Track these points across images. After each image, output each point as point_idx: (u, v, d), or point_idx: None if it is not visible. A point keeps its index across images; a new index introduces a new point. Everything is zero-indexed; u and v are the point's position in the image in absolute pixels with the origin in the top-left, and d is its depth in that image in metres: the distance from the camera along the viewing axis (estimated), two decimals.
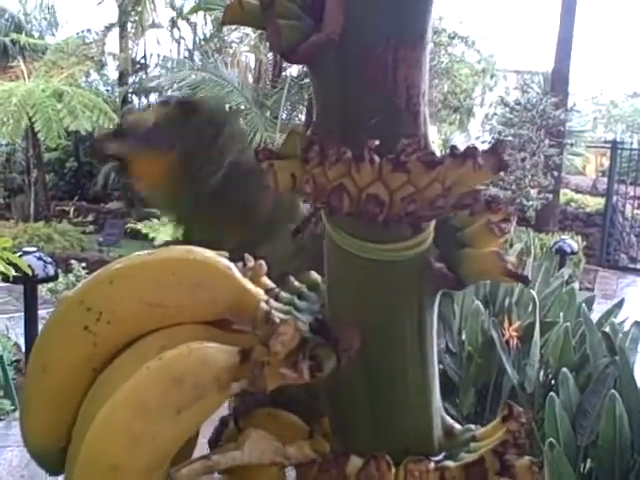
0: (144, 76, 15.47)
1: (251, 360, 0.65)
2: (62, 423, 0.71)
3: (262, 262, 0.76)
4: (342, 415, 0.73)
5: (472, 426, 0.74)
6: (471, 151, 0.60)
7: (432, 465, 0.67)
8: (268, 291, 0.74)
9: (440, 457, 0.71)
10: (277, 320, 0.67)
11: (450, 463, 0.69)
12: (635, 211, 14.93)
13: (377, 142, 0.60)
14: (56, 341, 0.71)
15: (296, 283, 0.76)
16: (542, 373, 4.36)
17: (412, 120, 0.63)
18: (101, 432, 0.63)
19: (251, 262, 0.76)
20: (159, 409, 0.63)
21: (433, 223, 0.65)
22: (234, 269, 0.73)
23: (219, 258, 0.73)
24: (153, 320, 0.70)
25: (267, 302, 0.71)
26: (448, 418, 0.74)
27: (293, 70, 11.75)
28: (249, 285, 0.73)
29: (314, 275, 0.76)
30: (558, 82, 13.80)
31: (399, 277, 0.66)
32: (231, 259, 0.74)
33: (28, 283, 5.73)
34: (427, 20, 0.61)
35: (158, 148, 1.08)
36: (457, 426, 0.74)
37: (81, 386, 0.70)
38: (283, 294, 0.74)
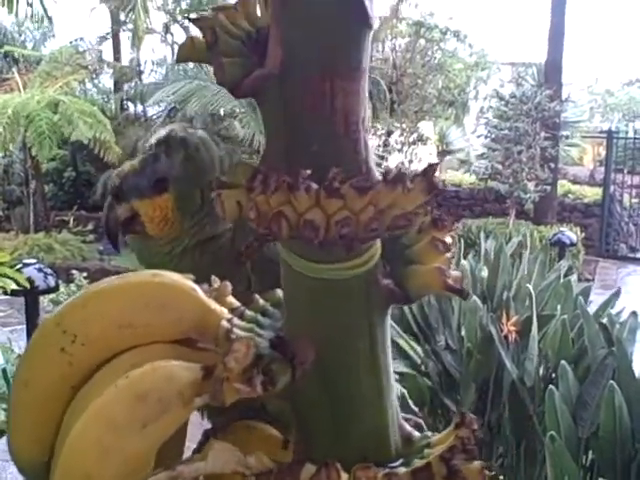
0: (139, 82, 15.50)
1: (214, 376, 0.68)
2: (45, 437, 0.76)
3: (227, 283, 0.80)
4: (303, 425, 0.77)
5: (429, 433, 0.78)
6: (400, 176, 0.64)
7: (380, 471, 0.70)
8: (233, 310, 0.78)
9: (397, 464, 0.74)
10: (238, 333, 0.71)
11: (401, 469, 0.72)
12: (633, 200, 14.95)
13: (309, 172, 0.64)
14: (36, 359, 0.76)
15: (261, 301, 0.80)
16: (541, 367, 4.39)
17: (352, 146, 0.66)
18: (74, 446, 0.68)
19: (217, 283, 0.80)
20: (126, 424, 0.67)
21: (378, 242, 0.69)
22: (198, 290, 0.77)
23: (184, 280, 0.77)
24: (124, 340, 0.75)
25: (230, 320, 0.75)
26: (407, 425, 0.77)
27: None
28: (213, 305, 0.77)
29: (279, 293, 0.80)
30: (552, 73, 13.81)
31: (347, 294, 0.70)
32: (197, 281, 0.78)
33: (29, 295, 5.76)
34: (361, 52, 0.65)
35: (143, 192, 1.13)
36: (415, 433, 0.78)
37: (61, 402, 0.75)
38: (248, 312, 0.78)
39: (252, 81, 0.66)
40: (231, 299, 0.80)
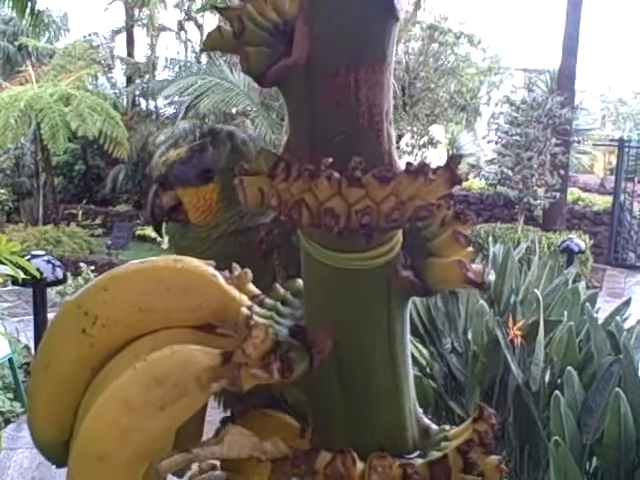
0: (152, 79, 15.53)
1: (232, 362, 0.69)
2: (64, 417, 0.77)
3: (248, 270, 0.80)
4: (319, 414, 0.77)
5: (447, 427, 0.78)
6: (422, 167, 0.64)
7: (396, 461, 0.71)
8: (253, 297, 0.78)
9: (414, 455, 0.74)
10: (257, 320, 0.72)
11: (417, 460, 0.72)
12: None
13: (331, 160, 0.64)
14: (57, 342, 0.77)
15: (281, 290, 0.80)
16: (547, 372, 4.38)
17: (375, 137, 0.66)
18: (91, 425, 0.69)
19: (237, 270, 0.80)
20: (143, 405, 0.68)
21: (399, 233, 0.69)
22: (219, 277, 0.77)
23: (205, 266, 0.78)
24: (144, 324, 0.75)
25: (250, 308, 0.75)
26: (425, 419, 0.77)
27: None
28: (233, 292, 0.77)
29: (299, 282, 0.80)
30: (565, 80, 13.78)
31: (366, 284, 0.70)
32: (221, 269, 0.79)
33: (37, 286, 5.79)
34: (385, 42, 0.65)
35: (189, 181, 1.15)
36: (433, 426, 0.78)
37: (81, 383, 0.76)
38: (268, 300, 0.78)
39: (277, 70, 0.66)
40: (251, 287, 0.80)
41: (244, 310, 0.74)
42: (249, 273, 0.80)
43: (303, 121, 0.67)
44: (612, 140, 17.08)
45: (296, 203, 0.64)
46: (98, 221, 15.19)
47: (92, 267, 10.40)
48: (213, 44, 0.70)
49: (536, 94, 13.42)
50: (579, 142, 15.30)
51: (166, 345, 0.71)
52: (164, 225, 1.24)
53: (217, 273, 0.77)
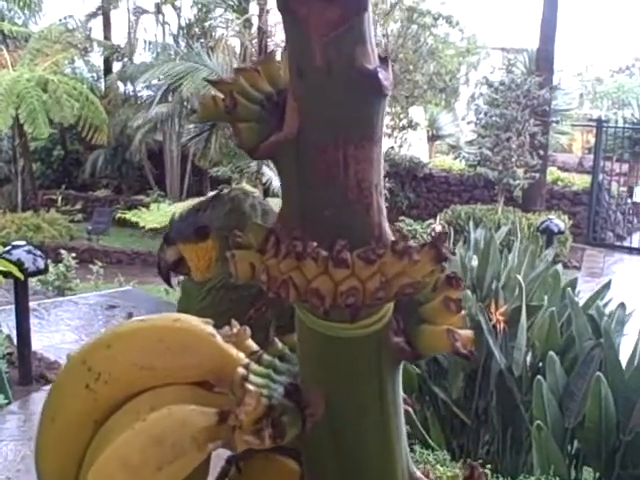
0: (130, 62, 15.39)
1: (227, 422, 0.71)
2: (69, 468, 0.80)
3: (246, 327, 0.82)
4: (313, 472, 0.79)
5: None
6: (406, 249, 0.66)
7: None
8: (251, 354, 0.80)
9: None
10: (249, 387, 0.73)
11: None
12: (621, 188, 15.04)
13: (315, 244, 0.66)
14: (63, 395, 0.80)
15: (279, 345, 0.82)
16: (529, 356, 4.43)
17: (364, 211, 0.68)
18: None
19: (236, 327, 0.82)
20: (141, 465, 0.70)
21: (390, 303, 0.70)
22: (217, 336, 0.79)
23: (204, 325, 0.80)
24: (145, 381, 0.78)
25: (246, 366, 0.77)
26: (418, 472, 0.79)
27: (278, 55, 11.70)
28: (231, 350, 0.79)
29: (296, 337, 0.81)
30: (543, 61, 13.84)
31: (357, 352, 0.71)
32: (216, 326, 0.80)
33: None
34: (374, 120, 0.66)
35: (187, 238, 1.21)
36: None
37: (85, 436, 0.79)
38: (265, 357, 0.80)
39: (269, 146, 0.67)
40: (250, 343, 0.82)
41: (240, 370, 0.75)
42: (248, 330, 0.82)
43: (294, 193, 0.69)
44: (590, 120, 17.18)
45: (284, 282, 0.66)
46: (78, 206, 15.09)
47: (73, 254, 10.35)
48: (208, 115, 0.71)
49: (515, 75, 13.46)
50: (557, 122, 15.38)
51: (165, 403, 0.74)
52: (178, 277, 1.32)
53: (215, 332, 0.79)
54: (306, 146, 0.66)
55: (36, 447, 0.81)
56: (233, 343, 0.80)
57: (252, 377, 0.75)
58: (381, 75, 0.64)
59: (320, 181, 0.66)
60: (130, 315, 7.80)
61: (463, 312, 0.70)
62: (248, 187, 1.28)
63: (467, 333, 0.70)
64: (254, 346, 0.81)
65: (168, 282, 1.35)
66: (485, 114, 13.19)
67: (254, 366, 0.77)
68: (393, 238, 0.69)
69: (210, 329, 0.79)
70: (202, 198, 1.21)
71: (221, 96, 0.70)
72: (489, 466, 3.81)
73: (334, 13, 0.62)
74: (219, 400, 0.76)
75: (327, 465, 0.77)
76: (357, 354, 0.71)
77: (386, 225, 0.70)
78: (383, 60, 0.66)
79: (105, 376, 0.77)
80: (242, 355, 0.79)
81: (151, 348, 0.77)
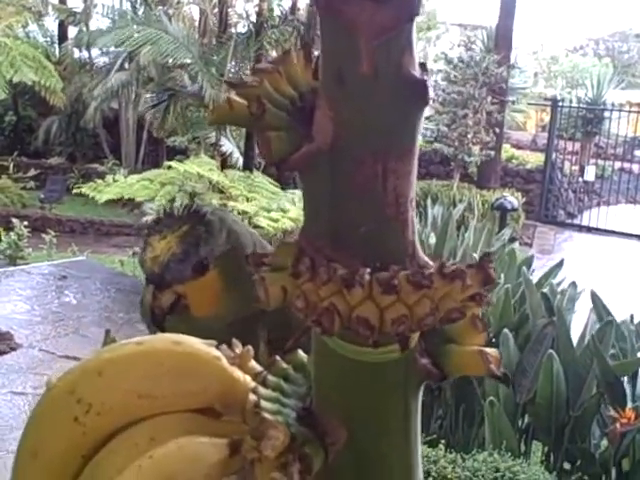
0: (86, 27, 15.06)
1: (241, 454, 0.66)
2: None
3: (249, 347, 0.77)
4: None
5: None
6: (459, 273, 0.62)
7: None
8: (256, 376, 0.75)
9: None
10: (266, 416, 0.68)
11: None
12: (573, 167, 15.27)
13: (367, 270, 0.61)
14: (46, 429, 0.73)
15: (283, 365, 0.77)
16: None
17: (400, 228, 0.64)
18: None
19: (239, 348, 0.77)
20: None
21: None
22: (223, 359, 0.73)
23: (208, 348, 0.74)
24: (142, 410, 0.72)
25: (255, 390, 0.72)
26: None
27: (239, 26, 11.59)
28: (237, 374, 0.74)
29: (300, 355, 0.78)
30: (502, 37, 13.92)
31: (386, 376, 0.68)
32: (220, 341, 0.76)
33: None
34: (416, 133, 0.62)
35: (188, 276, 1.08)
36: None
37: (71, 472, 0.72)
38: (270, 378, 0.75)
39: (301, 158, 0.63)
40: (253, 363, 0.76)
41: (252, 396, 0.71)
42: (251, 350, 0.77)
43: (323, 208, 0.64)
44: (546, 99, 17.35)
45: (327, 310, 0.61)
46: (30, 174, 14.80)
47: (25, 222, 10.16)
48: (222, 118, 0.67)
49: (473, 52, 13.52)
50: (513, 102, 15.51)
51: (166, 434, 0.69)
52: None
53: (220, 355, 0.73)
54: (342, 158, 0.62)
55: None
56: (237, 365, 0.74)
57: (263, 403, 0.70)
58: (429, 84, 0.61)
59: (356, 196, 0.62)
60: (64, 277, 7.63)
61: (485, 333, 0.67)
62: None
63: (495, 353, 0.67)
64: (257, 367, 0.76)
65: (163, 329, 1.18)
66: (443, 91, 13.24)
67: (262, 390, 0.73)
68: (424, 256, 0.65)
69: (214, 352, 0.73)
70: (184, 228, 1.07)
71: (235, 98, 0.64)
72: (443, 440, 3.89)
73: (386, 16, 0.57)
74: (223, 427, 0.71)
75: None
76: (385, 377, 0.68)
77: (418, 243, 0.66)
78: (422, 66, 0.62)
79: (97, 407, 0.70)
80: (248, 378, 0.74)
81: (150, 375, 0.71)
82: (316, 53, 0.66)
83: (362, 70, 0.59)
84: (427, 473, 3.48)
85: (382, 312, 0.61)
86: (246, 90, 0.65)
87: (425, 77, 0.61)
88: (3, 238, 8.91)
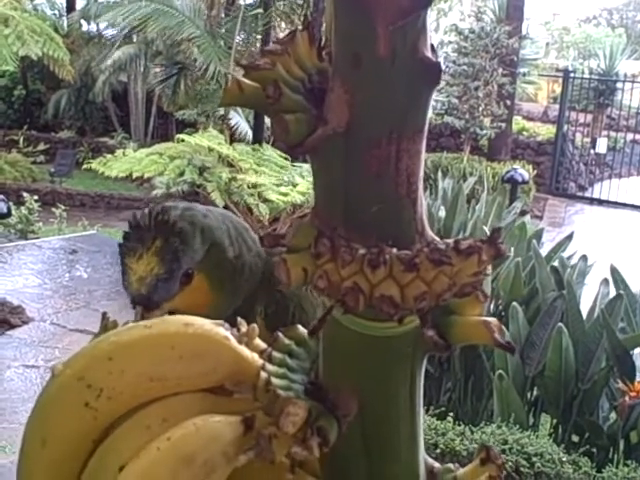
0: (93, 0, 14.98)
1: (255, 430, 0.68)
2: None
3: (254, 325, 0.78)
4: (339, 474, 0.76)
5: (451, 466, 0.78)
6: (476, 248, 0.64)
7: None
8: (262, 353, 0.76)
9: None
10: (281, 393, 0.69)
11: None
12: (584, 139, 15.16)
13: (395, 250, 0.63)
14: (56, 416, 0.73)
15: (285, 340, 0.78)
16: (492, 305, 4.52)
17: (411, 206, 0.66)
18: None
19: (244, 326, 0.78)
20: None
21: None
22: (231, 338, 0.74)
23: (217, 329, 0.74)
24: (153, 392, 0.72)
25: (264, 367, 0.73)
26: (429, 458, 0.79)
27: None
28: (246, 352, 0.75)
29: (300, 330, 0.79)
30: (514, 8, 13.77)
31: (395, 349, 0.70)
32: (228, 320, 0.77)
33: None
34: (427, 114, 0.65)
35: (176, 291, 1.04)
36: (436, 465, 0.79)
37: (81, 457, 0.73)
38: (275, 354, 0.76)
39: (316, 140, 0.63)
40: (259, 341, 0.78)
41: (263, 374, 0.72)
42: (256, 328, 0.78)
43: (337, 188, 0.65)
44: (558, 70, 17.21)
45: (351, 289, 0.63)
46: (40, 148, 14.81)
47: (35, 196, 10.17)
48: (232, 101, 0.67)
49: (484, 23, 13.39)
50: (524, 75, 15.39)
51: (178, 414, 0.70)
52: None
53: (229, 335, 0.74)
54: (357, 140, 0.63)
55: (21, 475, 0.73)
56: (245, 343, 0.76)
57: (274, 380, 0.72)
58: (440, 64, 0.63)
59: (370, 177, 0.63)
60: (75, 252, 7.65)
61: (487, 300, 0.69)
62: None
63: (496, 322, 0.68)
64: (262, 344, 0.78)
65: None
66: (454, 62, 13.14)
67: (269, 367, 0.74)
68: (431, 232, 0.67)
69: (223, 332, 0.74)
70: (157, 243, 1.01)
71: (244, 80, 0.65)
72: (451, 413, 3.91)
73: (405, 1, 0.59)
74: (237, 405, 0.73)
75: (355, 464, 0.74)
76: (395, 349, 0.70)
77: (425, 217, 0.68)
78: (432, 49, 0.64)
79: (108, 392, 0.70)
80: (256, 356, 0.75)
81: (162, 358, 0.71)
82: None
83: (379, 53, 0.60)
84: (435, 445, 3.51)
85: (402, 289, 0.63)
86: (261, 74, 0.65)
87: (437, 59, 0.63)
88: (14, 212, 8.91)
